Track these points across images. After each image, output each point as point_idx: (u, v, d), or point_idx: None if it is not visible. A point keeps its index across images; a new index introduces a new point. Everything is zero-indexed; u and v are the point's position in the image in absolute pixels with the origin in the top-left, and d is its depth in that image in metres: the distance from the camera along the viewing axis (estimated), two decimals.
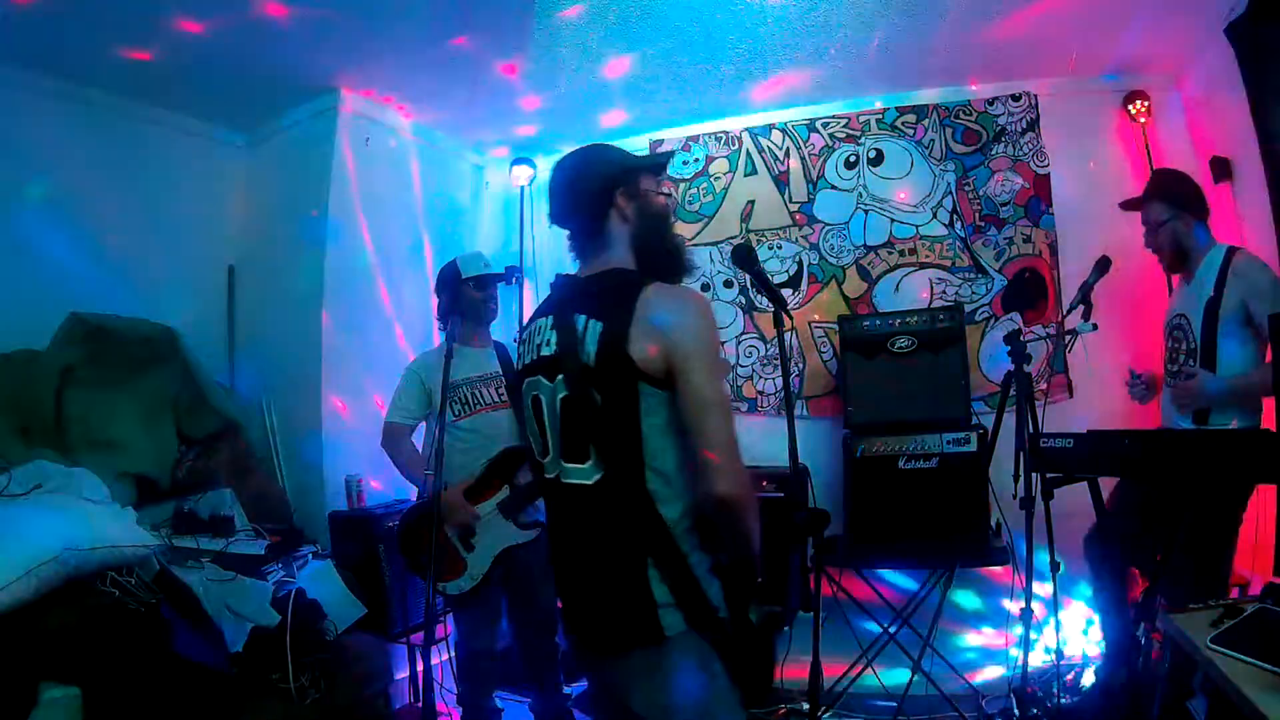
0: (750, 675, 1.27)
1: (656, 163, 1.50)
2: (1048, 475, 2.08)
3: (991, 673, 2.96)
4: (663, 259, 1.40)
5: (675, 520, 1.23)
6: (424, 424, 2.56)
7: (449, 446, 2.33)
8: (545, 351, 1.32)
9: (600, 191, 1.38)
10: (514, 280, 3.72)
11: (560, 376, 1.28)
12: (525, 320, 3.51)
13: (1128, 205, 2.47)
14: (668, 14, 2.64)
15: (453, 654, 2.53)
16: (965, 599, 3.10)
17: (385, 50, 2.82)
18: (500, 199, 3.98)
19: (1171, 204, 2.31)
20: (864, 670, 2.78)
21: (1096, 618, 2.48)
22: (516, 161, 3.75)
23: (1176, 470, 1.78)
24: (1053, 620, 2.36)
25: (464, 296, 2.51)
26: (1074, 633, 2.91)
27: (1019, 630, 2.24)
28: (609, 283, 1.32)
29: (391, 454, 2.53)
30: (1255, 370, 2.13)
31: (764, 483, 2.94)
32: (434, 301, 2.66)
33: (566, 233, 1.45)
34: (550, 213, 1.47)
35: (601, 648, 1.31)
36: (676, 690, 1.22)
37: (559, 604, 2.13)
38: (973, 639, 3.10)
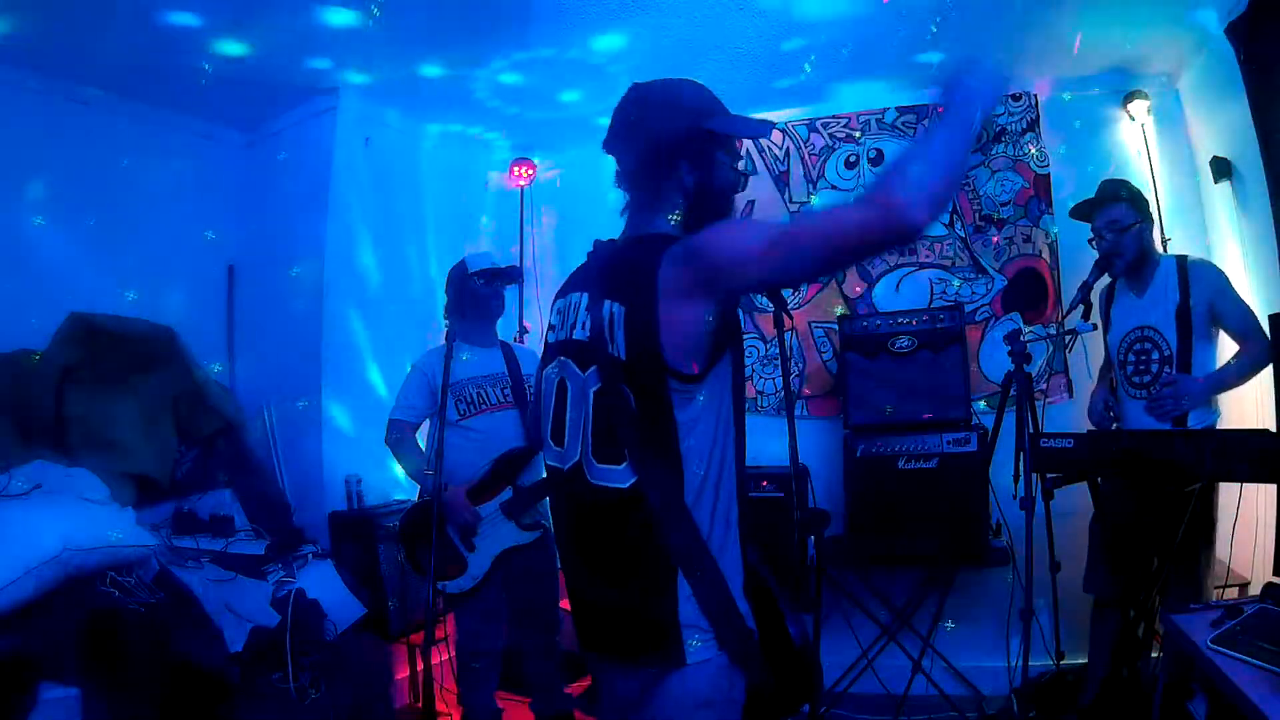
0: (793, 696, 1.18)
1: (750, 130, 1.26)
2: (1048, 475, 2.08)
3: (991, 673, 2.96)
4: None
5: (712, 533, 1.11)
6: (428, 422, 2.56)
7: (452, 445, 2.33)
8: (578, 335, 1.19)
9: (668, 144, 1.18)
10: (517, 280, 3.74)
11: (593, 368, 1.15)
12: (522, 319, 3.44)
13: (1079, 213, 2.49)
14: (670, 16, 2.64)
15: (453, 654, 2.53)
16: (965, 599, 3.10)
17: (385, 50, 2.82)
18: (501, 199, 3.98)
19: (1137, 209, 2.36)
20: (864, 670, 2.78)
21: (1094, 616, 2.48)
22: (517, 161, 3.75)
23: (1177, 470, 1.79)
24: (1053, 620, 2.36)
25: (470, 292, 2.50)
26: (1074, 633, 2.91)
27: (1019, 630, 2.24)
28: (638, 254, 1.15)
29: (395, 451, 2.53)
30: (1230, 365, 2.24)
31: (764, 483, 2.94)
32: (439, 301, 2.67)
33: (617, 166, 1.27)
34: (607, 136, 1.28)
35: (616, 656, 1.20)
36: (693, 716, 1.11)
37: (566, 607, 2.13)
38: (973, 639, 3.10)
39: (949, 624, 2.84)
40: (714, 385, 1.12)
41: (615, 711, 1.23)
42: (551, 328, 1.29)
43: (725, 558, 1.12)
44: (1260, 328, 2.18)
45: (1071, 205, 2.59)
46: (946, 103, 1.00)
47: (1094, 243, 2.43)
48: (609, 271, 1.19)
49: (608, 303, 1.14)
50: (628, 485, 1.11)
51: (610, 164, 1.28)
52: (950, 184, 0.99)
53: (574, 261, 1.34)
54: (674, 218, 1.21)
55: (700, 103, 1.22)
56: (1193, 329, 2.25)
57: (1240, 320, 2.23)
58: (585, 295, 1.20)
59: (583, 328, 1.18)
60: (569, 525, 1.24)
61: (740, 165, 1.28)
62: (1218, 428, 2.28)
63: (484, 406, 2.48)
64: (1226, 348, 2.33)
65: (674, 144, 1.18)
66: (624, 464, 1.11)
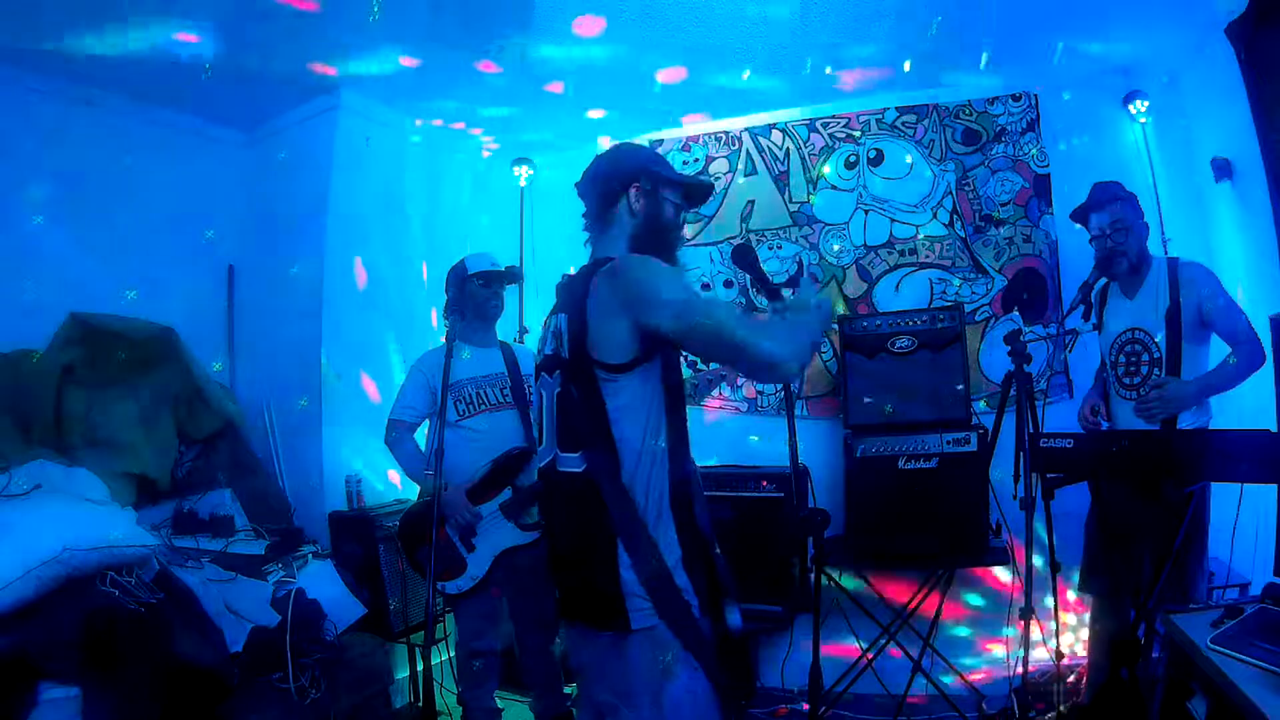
0: (728, 678, 1.30)
1: (687, 181, 1.52)
2: (1048, 475, 2.08)
3: (991, 673, 2.96)
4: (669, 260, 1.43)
5: (645, 507, 1.30)
6: (428, 422, 2.56)
7: (451, 445, 2.33)
8: (546, 350, 1.44)
9: (618, 176, 1.45)
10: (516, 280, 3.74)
11: (557, 373, 1.39)
12: (522, 319, 3.45)
13: (1079, 214, 2.49)
14: (671, 16, 2.64)
15: (453, 654, 2.53)
16: (965, 599, 3.10)
17: (386, 49, 2.82)
18: (500, 199, 3.98)
19: (1133, 210, 2.36)
20: (864, 670, 2.78)
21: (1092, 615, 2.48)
22: (516, 161, 3.75)
23: (1177, 470, 1.79)
24: (1053, 620, 2.36)
25: (469, 293, 2.51)
26: (1074, 633, 2.92)
27: (1019, 630, 2.24)
28: (583, 274, 1.40)
29: (394, 451, 2.53)
30: (1220, 369, 2.23)
31: (764, 483, 2.94)
32: (439, 301, 2.67)
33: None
34: (578, 184, 1.54)
35: (580, 623, 1.38)
36: (635, 682, 1.27)
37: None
38: (973, 639, 3.11)
39: (949, 626, 2.84)
40: (643, 378, 1.31)
41: (580, 673, 1.45)
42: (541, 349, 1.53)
43: (660, 533, 1.31)
44: (1251, 331, 2.18)
45: (1072, 205, 2.59)
46: (805, 304, 1.37)
47: (1094, 243, 2.43)
48: (564, 293, 1.44)
49: (560, 316, 1.40)
50: (581, 469, 1.33)
51: None
52: (812, 350, 1.37)
53: (573, 261, 1.48)
54: (621, 246, 1.44)
55: (642, 156, 1.51)
56: (1182, 331, 2.25)
57: (1229, 323, 2.22)
58: (554, 317, 1.45)
59: (549, 342, 1.44)
60: (548, 511, 1.50)
61: (679, 206, 1.51)
62: (1211, 429, 2.28)
63: (483, 406, 2.48)
64: (1219, 350, 2.33)
65: (623, 175, 1.45)
66: (579, 451, 1.33)
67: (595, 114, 3.43)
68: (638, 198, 1.44)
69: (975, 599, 3.11)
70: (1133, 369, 2.36)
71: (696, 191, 1.56)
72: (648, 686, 1.26)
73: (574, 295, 1.35)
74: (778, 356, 1.23)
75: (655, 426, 1.33)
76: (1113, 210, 2.36)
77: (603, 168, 1.48)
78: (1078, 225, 2.56)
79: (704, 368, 3.59)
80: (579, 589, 1.37)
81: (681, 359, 1.46)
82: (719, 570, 1.37)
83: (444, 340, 2.37)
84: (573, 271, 1.50)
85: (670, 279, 1.31)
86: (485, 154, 3.94)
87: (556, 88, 3.17)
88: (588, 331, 1.30)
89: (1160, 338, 2.28)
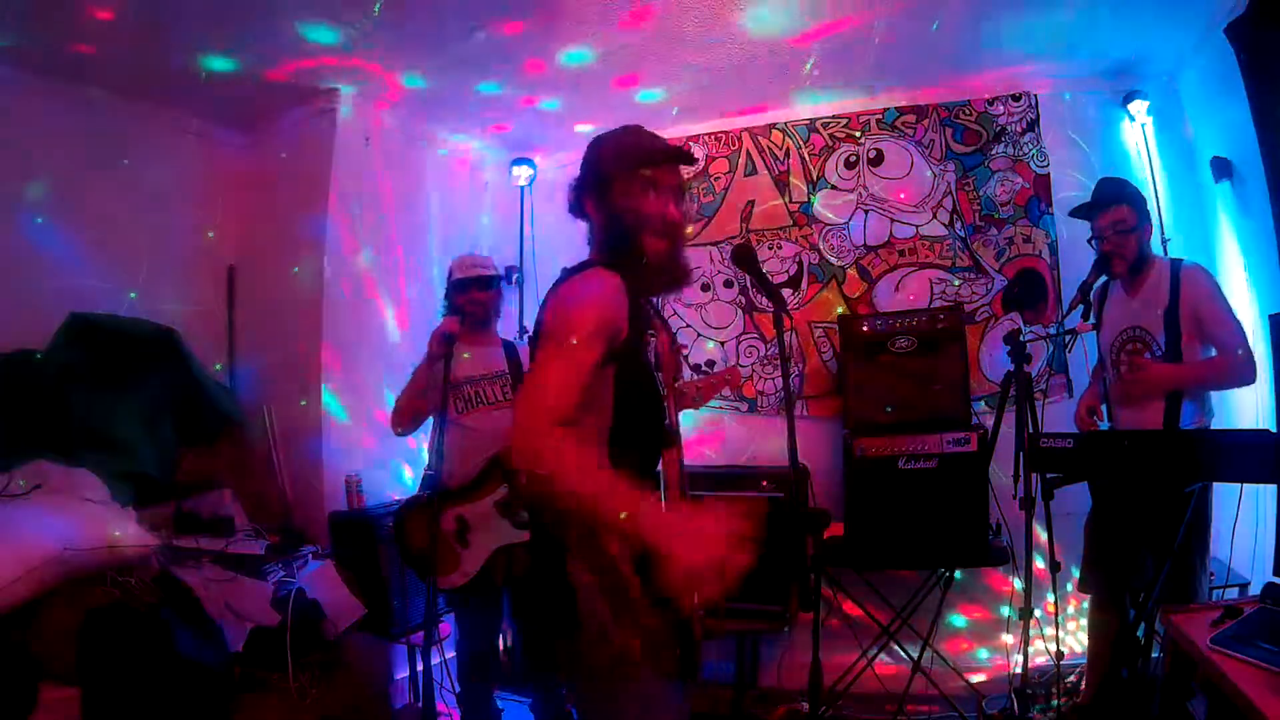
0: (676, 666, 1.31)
1: (653, 160, 1.39)
2: (1048, 475, 2.08)
3: (991, 673, 2.96)
4: (635, 268, 1.34)
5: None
6: (430, 420, 2.56)
7: (449, 442, 2.34)
8: None
9: (578, 185, 1.43)
10: (513, 280, 3.74)
11: None
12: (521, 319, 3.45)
13: (1079, 212, 2.50)
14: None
15: (453, 654, 2.53)
16: (965, 599, 3.10)
17: (386, 50, 2.82)
18: (500, 199, 3.98)
19: (1137, 210, 2.36)
20: (864, 670, 2.78)
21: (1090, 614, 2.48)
22: (516, 162, 3.75)
23: (1177, 470, 1.79)
24: (1053, 620, 2.36)
25: (454, 300, 2.54)
26: (1074, 633, 2.92)
27: (1019, 630, 2.24)
28: (561, 275, 1.38)
29: (395, 420, 2.54)
30: (1212, 359, 2.25)
31: (764, 483, 2.94)
32: (439, 301, 2.68)
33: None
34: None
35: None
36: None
37: None
38: (973, 639, 3.11)
39: (949, 623, 2.84)
40: (598, 381, 1.26)
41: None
42: None
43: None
44: (1243, 339, 2.18)
45: (1071, 205, 2.59)
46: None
47: (1093, 242, 2.43)
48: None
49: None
50: None
51: None
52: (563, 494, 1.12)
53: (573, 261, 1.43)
54: (597, 253, 1.41)
55: (605, 145, 1.43)
56: (1182, 331, 2.25)
57: (1221, 327, 2.21)
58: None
59: None
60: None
61: (659, 201, 1.37)
62: (1211, 428, 2.28)
63: (480, 404, 2.49)
64: None
65: (580, 183, 1.43)
66: None
67: (592, 120, 3.46)
68: (597, 207, 1.40)
69: (975, 599, 3.11)
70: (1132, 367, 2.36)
71: (663, 159, 1.40)
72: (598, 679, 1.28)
73: (548, 295, 1.36)
74: (525, 454, 1.12)
75: (600, 420, 1.29)
76: (1114, 211, 2.37)
77: (581, 171, 1.45)
78: (1078, 221, 2.56)
79: (706, 370, 3.59)
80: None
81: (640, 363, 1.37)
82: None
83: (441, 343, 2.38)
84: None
85: (567, 321, 1.24)
86: (485, 154, 3.94)
87: (557, 89, 3.18)
88: (542, 326, 1.32)
89: (1161, 337, 2.29)
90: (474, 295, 2.54)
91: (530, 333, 1.45)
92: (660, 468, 1.42)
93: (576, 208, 1.44)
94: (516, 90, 3.20)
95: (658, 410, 1.39)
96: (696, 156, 1.47)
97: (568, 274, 1.37)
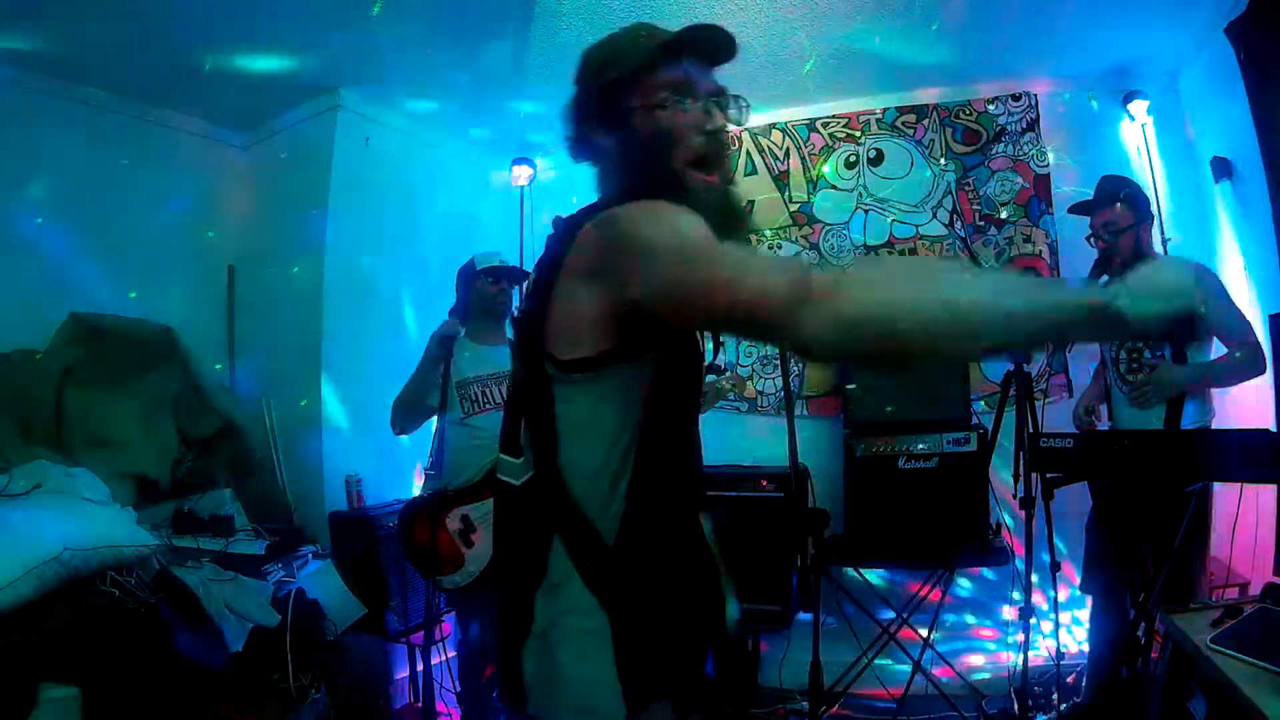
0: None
1: (679, 50, 0.98)
2: (1048, 475, 2.08)
3: (991, 673, 2.96)
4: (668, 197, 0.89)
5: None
6: (433, 420, 2.56)
7: (456, 444, 2.34)
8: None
9: (578, 110, 1.04)
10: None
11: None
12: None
13: (1078, 208, 2.50)
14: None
15: (454, 653, 2.53)
16: (965, 599, 3.10)
17: (386, 49, 2.82)
18: (500, 198, 3.98)
19: (1135, 209, 2.36)
20: (864, 670, 2.78)
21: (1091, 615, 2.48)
22: (516, 161, 3.75)
23: (1177, 470, 1.79)
24: (1053, 620, 2.36)
25: (477, 291, 2.52)
26: (1074, 632, 2.91)
27: (1019, 630, 2.24)
28: (568, 222, 0.96)
29: (396, 407, 2.53)
30: (1220, 360, 2.24)
31: (764, 483, 2.94)
32: (439, 301, 2.67)
33: None
34: None
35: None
36: None
37: None
38: (973, 639, 3.11)
39: (949, 623, 2.84)
40: (612, 390, 0.89)
41: None
42: None
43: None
44: (1253, 336, 2.18)
45: (1071, 204, 2.59)
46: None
47: (1092, 241, 2.43)
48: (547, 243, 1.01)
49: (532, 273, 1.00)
50: (519, 482, 0.96)
51: None
52: (886, 332, 0.73)
53: None
54: (615, 193, 0.98)
55: (605, 47, 1.03)
56: None
57: (1231, 327, 2.21)
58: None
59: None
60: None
61: (695, 111, 0.98)
62: (1212, 428, 2.28)
63: (486, 405, 2.48)
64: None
65: (581, 101, 1.03)
66: (521, 457, 0.96)
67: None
68: (604, 132, 1.01)
69: (975, 599, 3.11)
70: (1135, 365, 2.36)
71: (698, 46, 0.99)
72: None
73: (549, 247, 0.97)
74: (812, 307, 0.73)
75: (623, 466, 0.91)
76: (1108, 212, 2.37)
77: (576, 89, 1.05)
78: (1079, 221, 2.56)
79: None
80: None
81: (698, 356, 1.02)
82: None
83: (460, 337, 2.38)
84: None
85: (675, 222, 0.84)
86: (485, 154, 3.94)
87: (560, 86, 3.18)
88: (549, 299, 0.90)
89: None
90: (505, 285, 2.53)
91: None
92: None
93: (580, 143, 1.04)
94: (517, 90, 3.20)
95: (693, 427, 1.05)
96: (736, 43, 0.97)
97: (591, 212, 0.92)
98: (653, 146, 0.96)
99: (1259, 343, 2.16)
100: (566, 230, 0.94)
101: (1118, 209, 2.35)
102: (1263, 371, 2.17)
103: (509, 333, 2.65)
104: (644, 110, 0.97)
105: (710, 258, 0.80)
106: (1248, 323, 2.22)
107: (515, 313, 1.06)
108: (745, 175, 3.59)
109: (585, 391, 0.90)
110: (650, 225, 0.84)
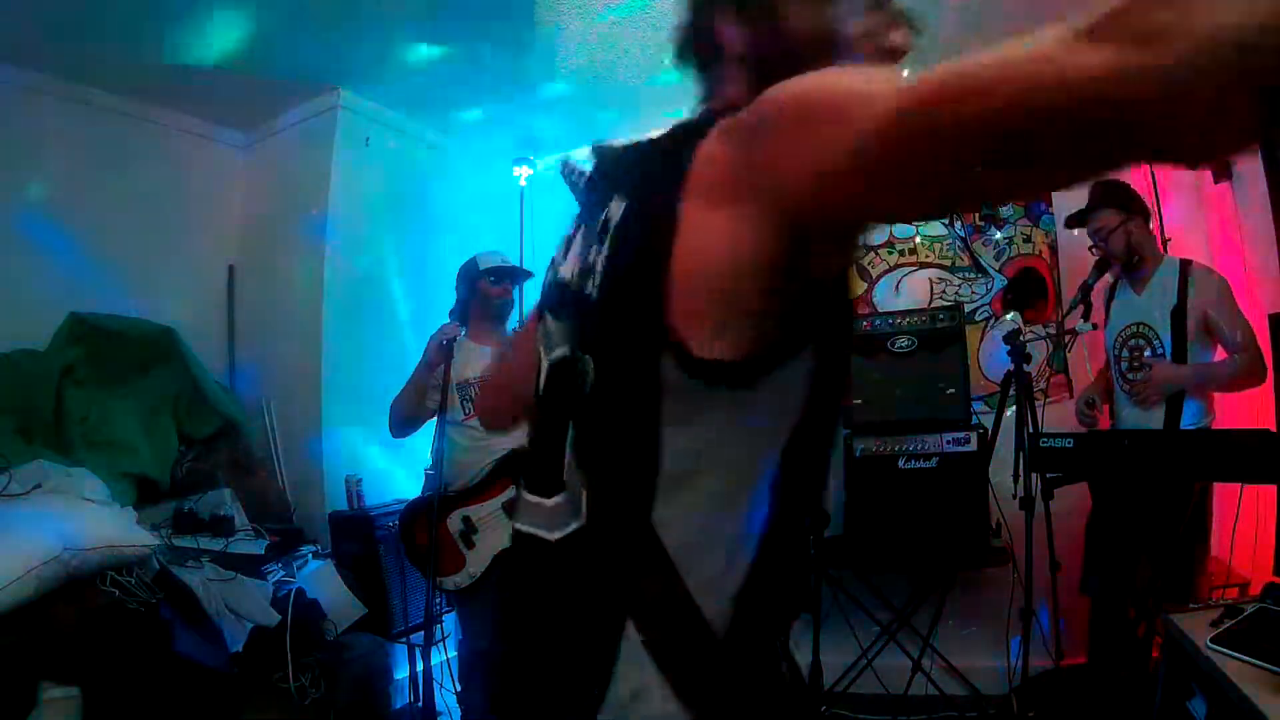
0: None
1: None
2: (1048, 475, 2.08)
3: (991, 673, 2.96)
4: None
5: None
6: (433, 420, 2.55)
7: (457, 445, 2.33)
8: (561, 274, 0.80)
9: (699, 6, 0.75)
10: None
11: (576, 327, 0.73)
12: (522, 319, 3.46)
13: (1073, 221, 2.50)
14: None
15: (455, 653, 2.53)
16: (965, 599, 3.10)
17: (386, 49, 2.82)
18: (500, 199, 3.97)
19: (1121, 208, 2.36)
20: (864, 670, 2.78)
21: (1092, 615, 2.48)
22: (516, 161, 3.74)
23: (1177, 470, 1.79)
24: (1053, 620, 2.36)
25: (480, 291, 2.51)
26: (1074, 633, 2.91)
27: (1019, 630, 2.24)
28: (677, 131, 0.68)
29: (394, 408, 2.53)
30: (1221, 360, 2.24)
31: None
32: (439, 301, 2.67)
33: None
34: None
35: None
36: None
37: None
38: (972, 639, 3.10)
39: (950, 623, 2.84)
40: (763, 404, 0.60)
41: None
42: None
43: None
44: (1253, 340, 2.18)
45: (1070, 204, 2.59)
46: None
47: (1093, 251, 2.44)
48: (624, 164, 0.73)
49: (611, 205, 0.68)
50: (557, 536, 0.67)
51: None
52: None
53: None
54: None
55: None
56: (1187, 331, 2.26)
57: (1231, 330, 2.22)
58: (601, 209, 0.72)
59: (578, 259, 0.74)
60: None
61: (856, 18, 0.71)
62: (1212, 428, 2.28)
63: None
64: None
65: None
66: (559, 497, 0.68)
67: (594, 120, 3.44)
68: (739, 33, 0.71)
69: (975, 599, 3.10)
70: (1136, 363, 2.37)
71: None
72: None
73: (653, 165, 0.66)
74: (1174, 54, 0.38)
75: (743, 525, 0.62)
76: (1096, 219, 2.39)
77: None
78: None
79: None
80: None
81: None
82: None
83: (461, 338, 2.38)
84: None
85: (859, 73, 0.58)
86: (485, 154, 3.94)
87: (559, 86, 3.18)
88: (671, 251, 0.58)
89: (1165, 335, 2.29)
90: (508, 285, 2.53)
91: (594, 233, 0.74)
92: None
93: (697, 36, 0.75)
94: (516, 89, 3.20)
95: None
96: None
97: (703, 122, 0.64)
98: (808, 54, 0.65)
99: (1260, 353, 2.16)
100: (682, 135, 0.64)
101: (1106, 214, 2.36)
102: (1263, 381, 2.17)
103: (509, 332, 2.66)
104: (803, 2, 0.69)
105: (956, 69, 0.47)
106: (1251, 330, 2.21)
107: (560, 289, 0.78)
108: None
109: (723, 409, 0.59)
110: (818, 78, 0.55)
